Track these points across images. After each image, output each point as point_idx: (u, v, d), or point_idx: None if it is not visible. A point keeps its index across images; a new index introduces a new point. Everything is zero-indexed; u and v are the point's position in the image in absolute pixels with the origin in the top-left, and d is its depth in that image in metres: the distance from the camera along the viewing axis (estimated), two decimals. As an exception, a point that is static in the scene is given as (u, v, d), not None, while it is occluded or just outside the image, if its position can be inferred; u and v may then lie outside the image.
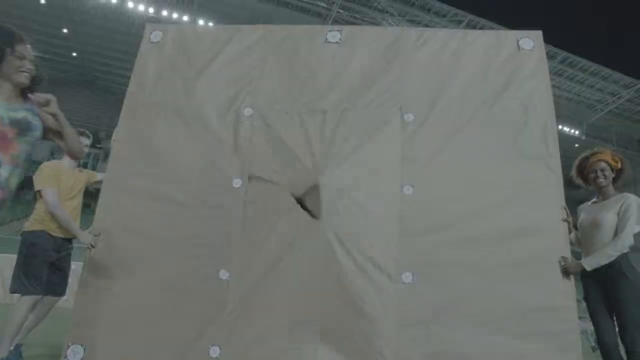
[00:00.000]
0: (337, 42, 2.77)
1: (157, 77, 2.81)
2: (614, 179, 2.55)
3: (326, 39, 2.79)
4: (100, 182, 3.13)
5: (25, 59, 1.78)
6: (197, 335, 2.28)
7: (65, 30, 22.97)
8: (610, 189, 2.54)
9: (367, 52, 2.74)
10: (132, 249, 2.47)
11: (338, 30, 2.81)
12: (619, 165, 2.54)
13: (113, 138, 2.78)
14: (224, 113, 2.66)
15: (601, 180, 2.53)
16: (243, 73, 2.76)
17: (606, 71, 22.98)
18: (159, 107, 2.74)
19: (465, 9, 18.88)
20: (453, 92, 2.57)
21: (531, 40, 2.62)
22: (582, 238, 2.56)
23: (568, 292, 2.19)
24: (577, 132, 26.10)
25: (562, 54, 20.92)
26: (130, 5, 19.74)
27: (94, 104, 25.48)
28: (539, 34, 2.64)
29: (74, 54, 24.85)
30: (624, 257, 2.34)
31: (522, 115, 2.49)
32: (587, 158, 2.61)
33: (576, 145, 27.20)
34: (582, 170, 2.64)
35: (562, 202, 2.36)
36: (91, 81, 26.43)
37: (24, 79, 1.79)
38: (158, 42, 2.89)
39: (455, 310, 2.18)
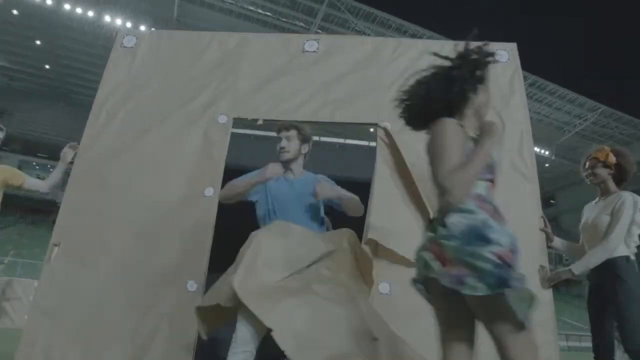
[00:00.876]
0: (314, 51, 2.74)
1: (128, 83, 2.71)
2: (615, 175, 2.38)
3: (304, 49, 2.77)
4: (30, 188, 2.85)
5: None
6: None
7: (38, 42, 22.45)
8: (610, 185, 2.38)
9: (344, 61, 2.72)
10: (95, 260, 2.31)
11: (315, 40, 2.79)
12: (612, 160, 2.36)
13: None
14: (196, 119, 2.58)
15: (591, 178, 2.41)
16: (219, 80, 2.68)
17: (572, 95, 24.14)
18: (129, 114, 2.63)
19: (441, 32, 19.61)
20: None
21: (506, 52, 2.67)
22: (584, 241, 2.43)
23: (547, 303, 2.16)
24: (547, 152, 27.12)
25: (532, 77, 21.88)
26: (108, 19, 19.54)
27: (67, 117, 24.76)
28: (513, 46, 2.70)
29: (47, 67, 24.25)
30: (624, 261, 2.20)
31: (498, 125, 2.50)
32: (587, 157, 2.47)
33: (546, 165, 28.23)
34: (585, 169, 2.48)
35: (539, 211, 2.35)
36: (64, 94, 25.80)
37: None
38: (132, 47, 2.80)
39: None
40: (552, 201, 31.11)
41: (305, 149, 2.41)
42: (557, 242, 2.41)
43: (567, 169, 27.54)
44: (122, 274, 2.27)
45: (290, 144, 2.35)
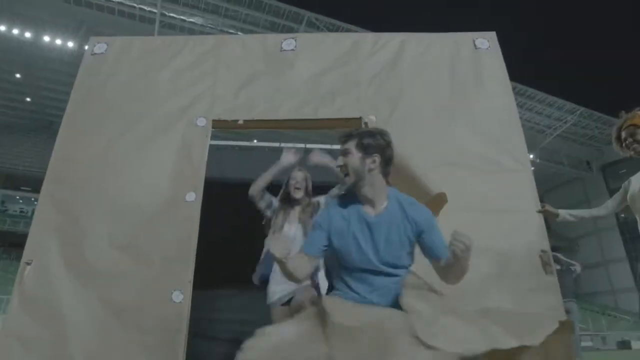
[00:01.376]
0: (292, 50, 2.69)
1: (99, 90, 2.62)
2: None
3: (281, 48, 2.71)
4: None
5: None
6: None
7: (18, 75, 22.26)
8: None
9: (324, 58, 2.67)
10: (72, 275, 2.15)
11: (293, 38, 2.74)
12: None
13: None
14: (174, 123, 2.48)
15: (635, 146, 2.14)
16: (196, 82, 2.60)
17: (551, 98, 24.68)
18: (102, 121, 2.52)
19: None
20: (415, 92, 2.52)
21: (486, 41, 2.65)
22: (635, 211, 2.22)
23: (552, 288, 2.06)
24: (531, 156, 27.52)
25: (511, 83, 22.33)
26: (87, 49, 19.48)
27: (50, 149, 24.26)
28: (492, 34, 2.68)
29: (28, 99, 24.00)
30: None
31: (484, 111, 2.46)
32: (620, 128, 2.24)
33: (532, 168, 28.60)
34: (621, 141, 2.22)
35: (535, 193, 2.29)
36: (47, 126, 25.44)
37: None
38: (102, 53, 2.71)
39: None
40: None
41: (373, 162, 1.55)
42: (564, 213, 2.24)
43: (551, 171, 27.92)
44: (101, 289, 2.12)
45: (349, 159, 1.57)
